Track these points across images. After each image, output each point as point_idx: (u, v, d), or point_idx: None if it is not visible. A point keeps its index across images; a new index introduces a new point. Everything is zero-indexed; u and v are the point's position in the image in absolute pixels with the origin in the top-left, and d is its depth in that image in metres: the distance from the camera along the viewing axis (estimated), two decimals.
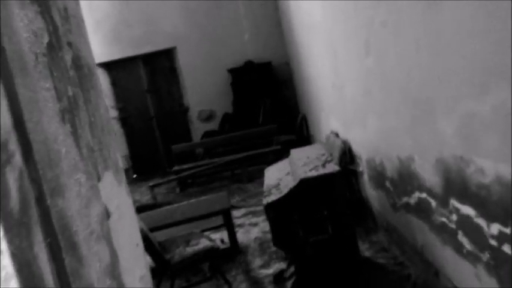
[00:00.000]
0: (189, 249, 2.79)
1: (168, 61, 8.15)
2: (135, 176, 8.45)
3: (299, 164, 2.49)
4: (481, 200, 1.52)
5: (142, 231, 2.54)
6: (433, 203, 1.96)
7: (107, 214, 0.76)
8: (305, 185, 2.18)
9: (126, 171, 8.33)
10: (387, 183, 2.68)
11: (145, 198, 6.32)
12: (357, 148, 3.35)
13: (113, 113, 8.29)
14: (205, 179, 6.78)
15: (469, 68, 1.46)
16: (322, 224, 2.19)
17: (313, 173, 2.20)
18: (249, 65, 7.63)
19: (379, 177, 2.84)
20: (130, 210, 1.00)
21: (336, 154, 3.46)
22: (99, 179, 0.76)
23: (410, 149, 2.17)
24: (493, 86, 1.33)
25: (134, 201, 6.05)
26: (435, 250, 2.06)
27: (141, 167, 8.52)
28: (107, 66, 8.18)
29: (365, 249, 2.94)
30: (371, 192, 3.16)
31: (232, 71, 7.61)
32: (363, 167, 3.26)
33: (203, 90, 7.98)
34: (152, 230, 3.03)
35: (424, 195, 2.07)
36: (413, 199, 2.26)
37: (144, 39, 7.87)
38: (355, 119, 3.25)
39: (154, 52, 7.97)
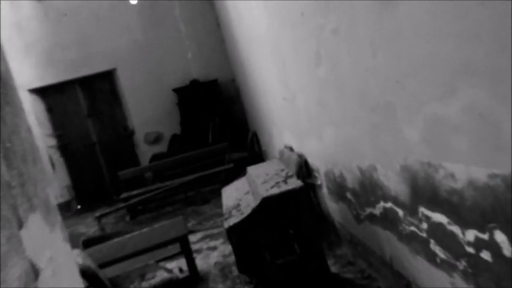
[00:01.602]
0: (145, 284, 2.54)
1: (108, 83, 7.78)
2: (79, 207, 7.90)
3: (258, 182, 2.35)
4: (454, 206, 1.45)
5: (89, 270, 2.27)
6: (400, 212, 1.90)
7: (34, 272, 0.57)
8: (268, 204, 2.04)
9: (69, 202, 7.76)
10: (348, 195, 2.61)
11: (93, 230, 5.88)
12: (314, 161, 3.28)
13: (51, 141, 7.74)
14: (157, 204, 6.46)
15: (432, 68, 1.41)
16: (288, 244, 2.06)
17: (276, 190, 2.07)
18: (194, 84, 7.47)
19: (339, 189, 2.77)
20: (69, 261, 0.80)
21: (293, 169, 3.36)
22: (20, 226, 0.57)
23: (371, 158, 2.11)
24: (460, 85, 1.28)
25: (79, 235, 5.61)
26: (405, 261, 1.99)
27: (85, 197, 7.99)
28: (42, 91, 7.66)
29: (331, 264, 2.83)
30: (331, 205, 3.09)
31: (178, 91, 7.40)
32: (321, 180, 3.19)
33: (148, 111, 7.68)
34: (102, 266, 2.74)
35: (389, 204, 2.01)
36: (378, 209, 2.20)
37: (81, 62, 7.47)
38: (310, 131, 3.18)
39: (92, 75, 7.58)
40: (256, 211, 2.05)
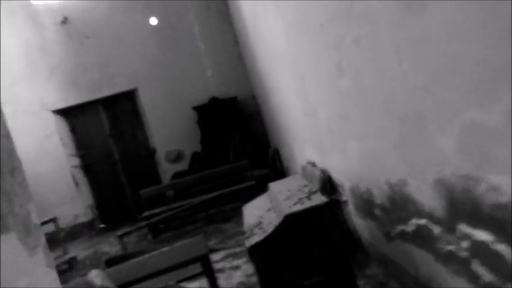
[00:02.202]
0: None
1: (129, 103, 7.87)
2: (102, 225, 7.92)
3: (281, 198, 2.25)
4: (500, 223, 1.32)
5: None
6: (436, 229, 1.76)
7: None
8: (291, 221, 1.93)
9: (92, 221, 7.79)
10: (377, 211, 2.47)
11: (115, 249, 5.84)
12: (338, 176, 3.15)
13: (75, 161, 7.84)
14: (179, 223, 6.39)
15: (466, 72, 1.29)
16: (316, 264, 1.94)
17: (299, 207, 1.96)
18: (214, 101, 7.46)
19: (366, 205, 2.64)
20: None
21: (316, 184, 3.25)
22: None
23: (401, 172, 1.99)
24: (501, 89, 1.16)
25: (102, 254, 5.57)
26: (443, 282, 1.83)
27: (109, 216, 8.01)
28: (65, 112, 7.79)
29: (361, 285, 2.68)
30: (358, 222, 2.94)
31: (198, 109, 7.41)
32: (346, 196, 3.06)
33: (169, 130, 7.71)
34: (122, 286, 2.66)
35: (423, 221, 1.87)
36: (410, 226, 2.06)
37: (103, 82, 7.59)
38: (332, 145, 3.07)
39: (114, 95, 7.68)
40: (279, 229, 1.95)
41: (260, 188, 5.41)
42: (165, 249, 2.91)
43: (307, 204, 1.98)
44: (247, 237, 2.09)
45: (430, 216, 1.78)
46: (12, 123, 7.20)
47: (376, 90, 2.02)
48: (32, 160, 7.55)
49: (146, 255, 2.83)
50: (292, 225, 1.93)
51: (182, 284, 3.02)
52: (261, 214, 2.33)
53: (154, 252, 2.87)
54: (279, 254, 1.94)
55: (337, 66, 2.49)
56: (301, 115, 3.89)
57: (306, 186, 2.38)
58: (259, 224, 2.15)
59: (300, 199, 2.09)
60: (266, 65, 5.28)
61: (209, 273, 2.90)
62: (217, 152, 7.28)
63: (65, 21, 7.45)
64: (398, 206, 2.13)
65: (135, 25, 7.56)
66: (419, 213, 1.88)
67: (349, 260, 2.15)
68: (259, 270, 1.94)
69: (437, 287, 1.92)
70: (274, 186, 2.69)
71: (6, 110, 7.49)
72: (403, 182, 1.99)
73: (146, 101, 7.70)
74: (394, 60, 1.75)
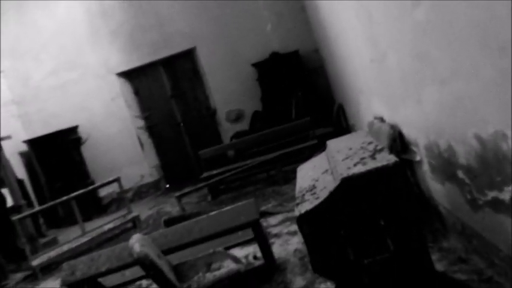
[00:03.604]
0: (210, 276, 2.24)
1: (189, 63, 7.72)
2: (167, 186, 8.08)
3: (339, 158, 1.87)
4: None
5: (146, 259, 2.02)
6: None
7: None
8: (350, 186, 1.56)
9: (158, 182, 7.96)
10: (460, 174, 2.00)
11: (176, 209, 5.86)
12: (411, 132, 2.67)
13: (139, 123, 7.96)
14: (239, 184, 6.25)
15: None
16: (379, 239, 1.57)
17: (360, 169, 1.58)
18: (274, 57, 7.03)
19: (446, 166, 2.17)
20: None
21: (384, 142, 2.79)
22: None
23: (498, 122, 1.51)
24: None
25: (164, 214, 5.59)
26: None
27: (173, 176, 8.14)
28: (128, 75, 7.86)
29: (435, 260, 2.26)
30: (435, 187, 2.48)
31: (257, 65, 7.04)
32: (420, 155, 2.58)
33: (229, 89, 7.47)
34: (166, 252, 2.51)
35: None
36: (506, 193, 1.59)
37: (162, 43, 7.48)
38: (404, 95, 2.58)
39: (173, 55, 7.55)
40: (334, 195, 1.59)
41: (323, 148, 5.03)
42: (213, 213, 2.70)
43: (371, 164, 1.58)
44: (298, 204, 1.76)
45: None
46: (82, 87, 7.40)
47: (466, 15, 1.52)
48: (100, 122, 7.80)
49: (192, 220, 2.63)
50: (351, 190, 1.56)
51: (231, 251, 2.83)
52: (315, 176, 1.98)
53: (200, 217, 2.67)
54: (334, 226, 1.59)
55: None
56: (367, 63, 3.38)
57: (370, 143, 1.97)
58: (312, 189, 1.81)
59: (362, 159, 1.70)
60: (329, 11, 4.73)
61: (261, 240, 2.65)
62: (278, 110, 6.93)
63: None
64: (490, 166, 1.66)
65: None
66: None
67: (421, 233, 1.75)
68: (310, 244, 1.61)
69: None
70: (333, 144, 2.30)
71: (75, 75, 7.74)
72: (500, 136, 1.52)
73: (205, 59, 7.49)
74: None
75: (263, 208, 4.41)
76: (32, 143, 7.31)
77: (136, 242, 2.13)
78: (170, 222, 4.95)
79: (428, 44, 1.96)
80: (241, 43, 7.31)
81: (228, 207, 2.76)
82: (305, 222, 1.62)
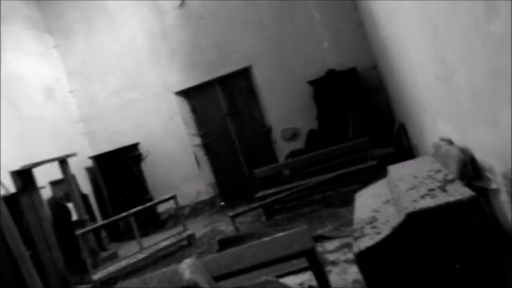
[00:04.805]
0: None
1: (245, 81, 7.77)
2: (222, 203, 8.11)
3: (403, 187, 1.70)
4: None
5: (195, 286, 1.95)
6: None
7: None
8: (417, 222, 1.39)
9: (213, 199, 8.01)
10: None
11: (230, 228, 5.82)
12: (485, 157, 2.40)
13: (196, 141, 8.10)
14: (294, 204, 6.10)
15: None
16: (453, 283, 1.38)
17: (429, 203, 1.41)
18: (331, 74, 6.88)
19: None
20: None
21: (453, 167, 2.54)
22: None
23: None
24: None
25: (218, 232, 5.58)
26: None
27: (228, 194, 8.16)
28: (186, 94, 8.08)
29: None
30: None
31: (313, 83, 6.92)
32: (496, 183, 2.31)
33: (284, 107, 7.40)
34: (218, 278, 2.44)
35: None
36: None
37: (219, 62, 7.62)
38: (477, 115, 2.33)
39: (230, 74, 7.65)
40: (398, 231, 1.42)
41: (383, 169, 4.76)
42: (266, 239, 2.59)
43: (442, 198, 1.40)
44: (356, 238, 1.61)
45: None
46: (142, 106, 7.72)
47: None
48: (159, 140, 8.05)
49: (245, 246, 2.54)
50: (418, 227, 1.38)
51: (285, 278, 2.70)
52: (376, 207, 1.82)
53: (253, 243, 2.57)
54: (398, 266, 1.42)
55: (486, 5, 1.78)
56: (432, 80, 3.15)
57: (438, 171, 1.77)
58: (372, 221, 1.65)
59: (430, 190, 1.52)
60: (388, 25, 4.52)
61: (316, 269, 2.49)
62: (335, 129, 6.74)
63: (182, 3, 7.61)
64: None
65: (248, 2, 7.35)
66: None
67: (504, 276, 1.52)
68: (369, 283, 1.45)
69: None
70: (396, 170, 2.12)
71: (136, 95, 8.09)
72: None
73: (261, 78, 7.50)
74: None
75: (319, 232, 4.23)
76: (97, 159, 7.69)
77: (187, 268, 2.08)
78: (224, 242, 4.91)
79: (506, 60, 1.75)
80: (297, 61, 7.25)
81: (281, 234, 2.63)
82: (365, 259, 1.47)
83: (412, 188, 1.65)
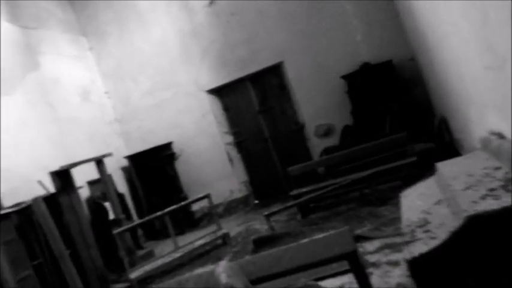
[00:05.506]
0: None
1: (276, 78, 7.66)
2: (256, 201, 8.04)
3: (458, 187, 1.56)
4: None
5: None
6: None
7: None
8: (479, 226, 1.26)
9: (247, 197, 7.96)
10: None
11: (265, 227, 5.74)
12: None
13: (228, 139, 8.07)
14: (330, 202, 5.94)
15: None
16: None
17: (492, 204, 1.26)
18: (365, 68, 6.66)
19: None
20: None
21: (507, 163, 2.35)
22: None
23: None
24: None
25: (253, 232, 5.51)
26: None
27: (261, 192, 8.09)
28: (217, 92, 8.06)
29: None
30: None
31: (347, 77, 6.72)
32: None
33: (317, 103, 7.24)
34: (254, 282, 2.36)
35: None
36: None
37: (250, 59, 7.54)
38: None
39: (261, 70, 7.56)
40: (457, 236, 1.29)
41: (423, 166, 4.52)
42: (304, 241, 2.48)
43: (507, 199, 1.26)
44: (407, 242, 1.48)
45: None
46: (175, 105, 7.76)
47: None
48: (192, 138, 8.08)
49: (282, 248, 2.45)
50: (481, 232, 1.24)
51: (324, 281, 2.58)
52: (426, 208, 1.68)
53: (291, 245, 2.47)
54: (458, 275, 1.29)
55: None
56: (480, 71, 2.93)
57: (497, 169, 1.61)
58: (424, 224, 1.51)
59: (491, 190, 1.37)
60: (428, 12, 4.29)
61: (358, 272, 2.36)
62: (370, 124, 6.51)
63: (212, 2, 7.58)
64: None
65: None
66: None
67: None
68: None
69: None
70: (446, 167, 1.96)
71: (169, 94, 8.15)
72: None
73: (292, 74, 7.37)
74: None
75: (358, 231, 4.07)
76: (132, 158, 7.80)
77: (224, 272, 2.01)
78: (259, 241, 4.84)
79: None
80: (330, 55, 7.06)
81: (321, 236, 2.52)
82: (419, 267, 1.34)
83: (468, 188, 1.50)
